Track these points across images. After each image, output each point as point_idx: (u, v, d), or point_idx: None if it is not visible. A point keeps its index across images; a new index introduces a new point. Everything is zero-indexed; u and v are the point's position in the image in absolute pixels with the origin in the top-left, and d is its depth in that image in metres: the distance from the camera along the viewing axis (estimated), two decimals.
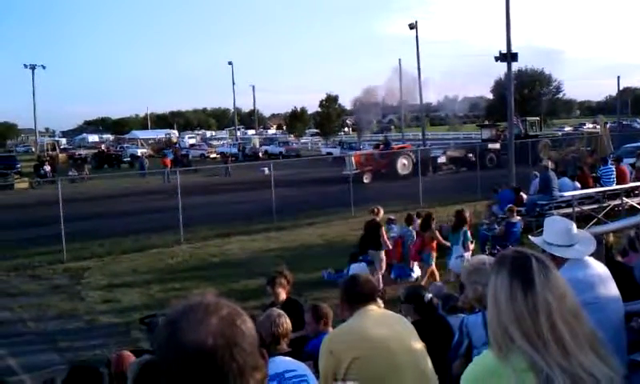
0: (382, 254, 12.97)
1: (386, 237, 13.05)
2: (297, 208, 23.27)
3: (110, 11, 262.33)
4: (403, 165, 35.24)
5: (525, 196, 17.42)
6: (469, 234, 12.32)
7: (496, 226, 15.09)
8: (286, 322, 4.75)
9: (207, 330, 1.33)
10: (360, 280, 3.93)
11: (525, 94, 69.57)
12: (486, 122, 59.97)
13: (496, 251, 13.36)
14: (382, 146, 40.30)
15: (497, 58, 23.30)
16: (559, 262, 3.64)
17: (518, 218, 14.90)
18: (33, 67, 65.82)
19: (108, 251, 18.11)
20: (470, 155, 37.03)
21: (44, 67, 67.50)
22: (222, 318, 1.36)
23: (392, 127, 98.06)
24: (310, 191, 30.17)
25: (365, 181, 31.08)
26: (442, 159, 36.89)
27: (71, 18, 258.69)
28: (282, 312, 4.88)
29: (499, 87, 68.16)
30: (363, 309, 3.73)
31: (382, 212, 13.49)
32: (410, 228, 14.07)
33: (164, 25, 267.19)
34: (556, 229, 3.88)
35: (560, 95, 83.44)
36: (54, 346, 10.70)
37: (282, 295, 6.85)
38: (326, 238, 18.88)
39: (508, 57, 22.93)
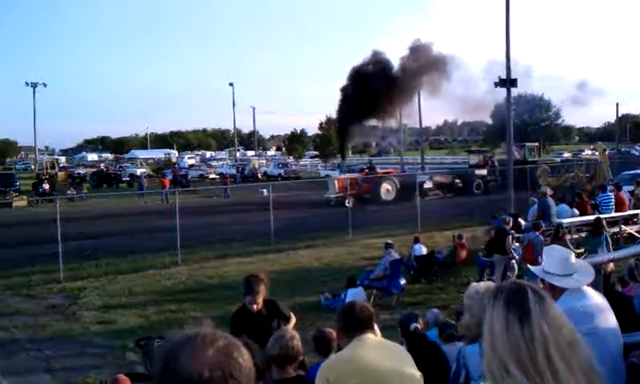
0: (510, 260, 14.27)
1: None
2: (295, 230, 23.23)
3: (112, 31, 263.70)
4: (387, 190, 34.78)
5: (523, 222, 17.42)
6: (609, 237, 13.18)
7: None
8: (298, 345, 4.62)
9: (204, 360, 1.34)
10: (357, 308, 3.91)
11: (524, 119, 69.85)
12: (474, 148, 60.30)
13: (494, 278, 13.35)
14: (366, 170, 40.01)
15: (496, 84, 23.47)
16: (558, 291, 3.62)
17: (517, 244, 14.90)
18: (34, 85, 66.21)
19: (104, 271, 18.02)
20: (457, 181, 37.34)
21: (45, 85, 67.92)
22: (219, 349, 1.38)
23: (391, 150, 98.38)
24: (309, 213, 30.17)
25: (347, 205, 29.87)
26: (428, 185, 36.43)
27: (72, 37, 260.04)
28: (294, 333, 4.77)
29: (499, 112, 68.48)
30: (360, 337, 3.71)
31: (511, 222, 15.22)
32: (538, 234, 14.06)
33: (165, 45, 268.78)
34: (555, 258, 3.86)
35: (559, 121, 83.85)
36: (48, 367, 10.58)
37: (261, 298, 6.62)
38: (324, 261, 18.84)
39: (507, 82, 23.09)
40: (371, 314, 4.03)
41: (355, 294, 11.59)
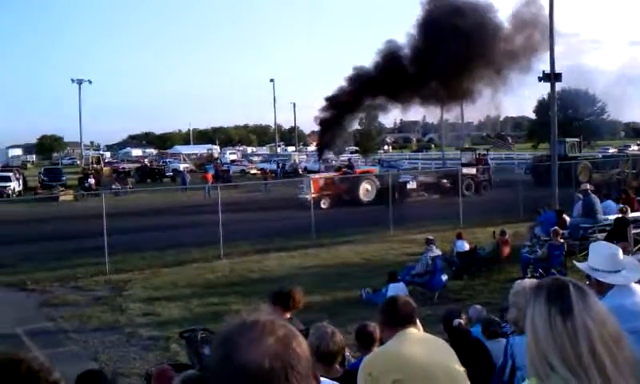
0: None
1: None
2: (335, 225, 23.27)
3: (156, 28, 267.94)
4: (366, 190, 32.83)
5: (568, 218, 17.14)
6: None
7: (538, 249, 14.87)
8: (340, 339, 4.52)
9: (264, 351, 1.31)
10: (400, 302, 3.88)
11: (568, 114, 68.47)
12: (466, 146, 57.60)
13: (538, 275, 13.16)
14: (344, 169, 38.11)
15: (540, 78, 23.09)
16: (605, 288, 3.57)
17: (562, 240, 14.67)
18: (80, 82, 67.28)
19: (149, 264, 18.39)
20: (445, 181, 34.96)
21: (90, 82, 68.87)
22: (279, 339, 1.34)
23: (432, 146, 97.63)
24: (349, 209, 30.18)
25: (322, 206, 28.94)
26: (411, 185, 34.25)
27: (118, 35, 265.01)
28: (334, 328, 4.62)
29: (542, 107, 67.36)
30: (403, 331, 3.68)
31: (629, 211, 15.18)
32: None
33: (208, 42, 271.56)
34: (602, 254, 3.81)
35: (604, 116, 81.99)
36: (95, 358, 10.83)
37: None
38: (365, 256, 18.86)
39: (552, 77, 22.70)
40: (414, 309, 4.00)
41: (396, 289, 11.58)
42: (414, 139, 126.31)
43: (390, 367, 3.50)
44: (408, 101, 38.63)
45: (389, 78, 35.27)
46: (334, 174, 36.48)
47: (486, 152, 44.03)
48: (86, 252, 19.33)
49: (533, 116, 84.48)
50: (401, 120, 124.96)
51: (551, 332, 1.93)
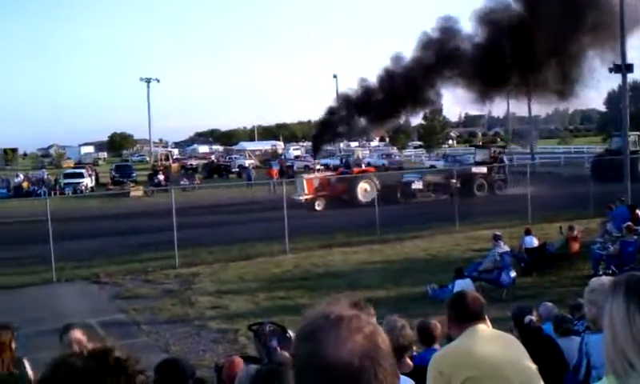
0: None
1: None
2: (400, 221, 23.14)
3: (220, 27, 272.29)
4: (364, 190, 30.92)
5: None
6: None
7: (610, 245, 14.43)
8: (410, 333, 4.51)
9: (353, 348, 1.28)
10: (469, 298, 3.82)
11: None
12: (480, 143, 54.09)
13: (610, 272, 12.78)
14: (340, 168, 36.40)
15: (610, 70, 22.36)
16: None
17: (635, 237, 14.18)
18: (148, 80, 68.95)
19: (217, 258, 18.75)
20: (454, 181, 31.96)
21: (158, 81, 70.55)
22: (366, 336, 1.31)
23: (498, 140, 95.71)
24: (414, 204, 29.96)
25: (317, 208, 27.73)
26: (417, 185, 32.12)
27: (184, 34, 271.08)
28: (403, 321, 4.60)
29: (613, 99, 65.03)
30: (472, 327, 3.62)
31: None
32: None
33: (270, 40, 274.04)
34: None
35: None
36: (166, 349, 11.12)
37: None
38: (430, 252, 18.71)
39: (622, 68, 21.93)
40: (483, 305, 3.94)
41: (463, 285, 11.42)
42: (479, 133, 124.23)
43: (461, 365, 3.45)
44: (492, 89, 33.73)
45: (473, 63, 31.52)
46: (331, 173, 35.22)
47: (501, 149, 41.46)
48: (156, 246, 19.87)
49: (603, 108, 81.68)
50: (465, 114, 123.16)
51: (630, 329, 1.90)
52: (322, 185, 29.84)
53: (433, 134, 71.65)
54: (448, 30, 32.44)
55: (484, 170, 33.64)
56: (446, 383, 3.42)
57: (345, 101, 36.63)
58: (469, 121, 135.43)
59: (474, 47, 31.80)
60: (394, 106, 34.67)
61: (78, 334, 5.15)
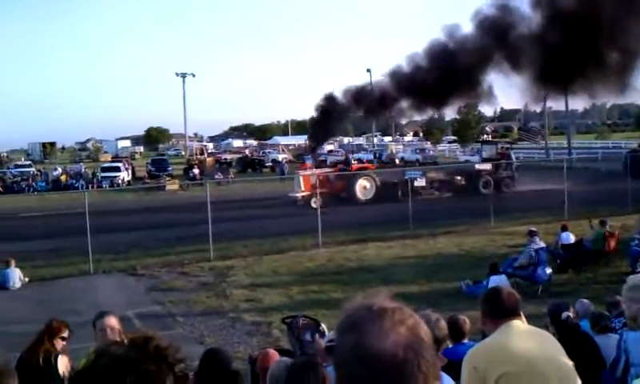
0: None
1: None
2: (434, 216, 23.00)
3: (253, 23, 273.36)
4: (364, 188, 30.32)
5: None
6: None
7: None
8: (444, 326, 4.48)
9: (397, 340, 1.30)
10: (504, 293, 3.80)
11: None
12: (488, 139, 51.98)
13: None
14: (339, 165, 35.45)
15: None
16: None
17: None
18: (183, 75, 69.66)
19: (251, 252, 18.88)
20: (458, 178, 32.54)
21: (194, 75, 71.25)
22: (410, 328, 1.33)
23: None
24: (448, 199, 29.74)
25: (313, 205, 26.16)
26: (420, 182, 30.85)
27: (219, 30, 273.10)
28: (437, 314, 4.63)
29: None
30: (507, 323, 3.60)
31: None
32: None
33: (303, 34, 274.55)
34: None
35: None
36: (201, 341, 11.24)
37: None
38: (464, 247, 18.58)
39: None
40: (518, 301, 3.91)
41: (498, 282, 11.33)
42: (515, 128, 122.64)
43: (496, 360, 3.44)
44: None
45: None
46: (329, 170, 34.25)
47: (508, 146, 40.43)
48: (192, 239, 20.08)
49: None
50: (501, 108, 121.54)
51: None
52: (320, 182, 28.68)
53: (467, 128, 70.96)
54: (505, 9, 29.49)
55: (488, 166, 32.70)
56: (481, 379, 3.41)
57: (395, 81, 34.15)
58: (504, 115, 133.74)
59: (533, 36, 28.71)
60: (442, 90, 32.22)
61: (112, 320, 5.13)
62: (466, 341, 5.61)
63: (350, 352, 1.32)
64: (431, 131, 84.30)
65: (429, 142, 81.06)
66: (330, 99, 36.58)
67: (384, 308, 1.36)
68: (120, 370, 1.41)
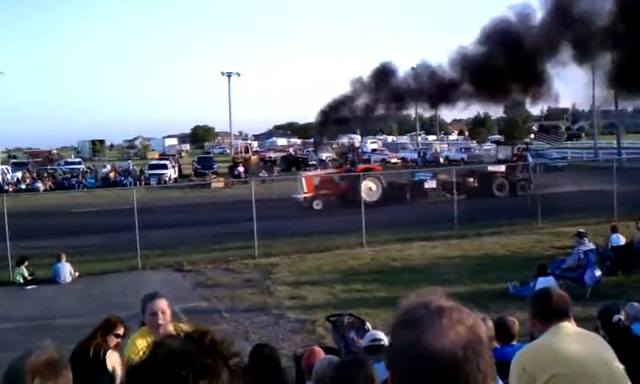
0: None
1: None
2: (479, 216, 22.74)
3: (299, 22, 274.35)
4: (369, 189, 29.13)
5: None
6: None
7: None
8: (491, 326, 4.47)
9: (456, 340, 1.30)
10: (554, 295, 3.76)
11: None
12: (502, 139, 49.10)
13: None
14: (345, 165, 33.61)
15: None
16: None
17: None
18: (229, 74, 70.34)
19: (295, 250, 18.99)
20: (471, 180, 31.16)
21: (239, 74, 71.83)
22: (469, 328, 1.33)
23: (582, 134, 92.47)
24: (494, 199, 29.36)
25: (315, 207, 26.02)
26: (430, 184, 30.18)
27: (264, 29, 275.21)
28: (485, 315, 4.43)
29: None
30: (557, 325, 3.57)
31: None
32: None
33: (346, 31, 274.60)
34: None
35: None
36: (246, 337, 11.35)
37: None
38: (510, 248, 18.33)
39: None
40: (568, 302, 3.86)
41: (546, 283, 11.13)
42: (563, 127, 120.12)
43: (546, 362, 3.41)
44: None
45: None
46: (334, 171, 33.12)
47: (525, 147, 38.97)
48: (237, 236, 20.26)
49: None
50: (548, 107, 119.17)
51: None
52: (323, 183, 28.35)
53: (514, 127, 69.89)
54: None
55: (502, 168, 31.56)
56: (530, 380, 3.37)
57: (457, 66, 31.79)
58: (552, 114, 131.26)
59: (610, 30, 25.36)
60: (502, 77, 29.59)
61: (162, 303, 4.96)
62: (514, 343, 5.56)
63: (409, 349, 1.32)
64: (477, 130, 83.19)
65: (474, 141, 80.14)
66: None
67: (442, 306, 1.37)
68: (177, 363, 1.43)
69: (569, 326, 3.63)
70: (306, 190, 28.77)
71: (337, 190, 29.88)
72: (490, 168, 32.52)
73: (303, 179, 29.77)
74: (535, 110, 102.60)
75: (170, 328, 4.74)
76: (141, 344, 4.86)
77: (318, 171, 32.55)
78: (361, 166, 32.67)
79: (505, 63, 28.30)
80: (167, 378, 1.40)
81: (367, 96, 34.75)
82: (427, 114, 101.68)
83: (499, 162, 34.17)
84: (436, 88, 32.96)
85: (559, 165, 36.12)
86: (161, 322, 4.82)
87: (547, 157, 44.55)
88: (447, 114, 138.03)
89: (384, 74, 34.40)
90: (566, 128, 76.39)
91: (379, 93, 34.55)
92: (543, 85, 29.77)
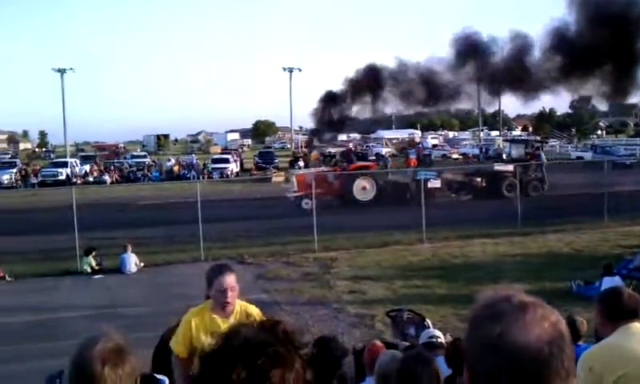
0: None
1: None
2: (543, 213, 22.25)
3: (356, 16, 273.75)
4: (362, 188, 28.78)
5: None
6: None
7: None
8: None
9: (541, 336, 1.31)
10: (625, 295, 3.69)
11: None
12: (518, 136, 45.82)
13: None
14: (340, 165, 32.88)
15: None
16: None
17: None
18: (290, 70, 70.96)
19: (354, 244, 19.01)
20: (478, 179, 30.00)
21: (300, 70, 72.39)
22: (553, 324, 1.34)
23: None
24: (558, 196, 28.67)
25: (304, 206, 25.18)
26: (434, 184, 28.30)
27: (324, 22, 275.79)
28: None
29: None
30: (627, 325, 3.51)
31: None
32: None
33: (411, 27, 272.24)
34: None
35: None
36: (306, 329, 11.44)
37: None
38: (574, 246, 17.90)
39: None
40: (639, 303, 3.80)
41: (612, 283, 10.84)
42: (632, 123, 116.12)
43: (614, 362, 3.35)
44: None
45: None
46: (327, 169, 32.44)
47: (539, 145, 36.68)
48: (297, 230, 20.42)
49: None
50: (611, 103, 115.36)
51: None
52: (316, 181, 27.56)
53: (580, 123, 68.02)
54: None
55: (510, 167, 29.62)
56: (597, 380, 3.32)
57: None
58: (620, 109, 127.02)
59: None
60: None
61: (232, 278, 4.56)
62: (581, 343, 5.47)
63: (492, 343, 1.32)
64: (541, 125, 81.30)
65: (538, 137, 78.33)
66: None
67: (525, 302, 1.37)
68: (252, 351, 1.46)
69: (638, 327, 3.56)
70: (296, 189, 28.27)
71: (330, 188, 29.06)
72: (497, 167, 31.24)
73: (294, 177, 29.38)
74: (602, 105, 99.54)
75: (236, 306, 4.63)
76: (196, 323, 4.61)
77: (312, 170, 32.11)
78: (354, 165, 31.96)
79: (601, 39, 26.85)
80: (243, 366, 1.43)
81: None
82: (490, 110, 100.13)
83: (514, 160, 32.33)
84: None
85: (627, 162, 34.93)
86: (229, 300, 4.52)
87: (614, 153, 43.22)
88: (511, 109, 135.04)
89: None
90: (635, 124, 73.86)
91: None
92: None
